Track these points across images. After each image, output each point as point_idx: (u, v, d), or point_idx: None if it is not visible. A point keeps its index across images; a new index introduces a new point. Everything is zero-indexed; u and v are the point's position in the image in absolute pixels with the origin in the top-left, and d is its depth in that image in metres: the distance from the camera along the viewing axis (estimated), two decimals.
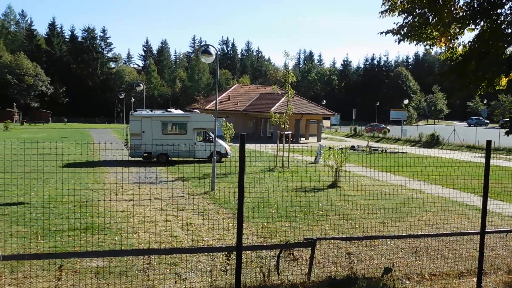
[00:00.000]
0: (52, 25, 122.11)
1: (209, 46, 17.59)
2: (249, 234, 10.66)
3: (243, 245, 6.03)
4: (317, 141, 49.98)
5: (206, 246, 9.70)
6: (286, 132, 25.95)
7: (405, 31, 8.65)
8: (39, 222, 11.22)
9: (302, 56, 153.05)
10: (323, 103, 70.67)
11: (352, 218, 12.78)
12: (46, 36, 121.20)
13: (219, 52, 18.27)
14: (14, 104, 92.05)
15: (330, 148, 22.62)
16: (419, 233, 10.30)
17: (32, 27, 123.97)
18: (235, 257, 6.46)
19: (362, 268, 8.29)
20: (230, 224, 11.87)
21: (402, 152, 34.50)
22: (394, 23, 8.86)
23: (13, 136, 47.54)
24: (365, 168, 22.59)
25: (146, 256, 8.26)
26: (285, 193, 16.11)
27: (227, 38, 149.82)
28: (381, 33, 8.92)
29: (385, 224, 12.17)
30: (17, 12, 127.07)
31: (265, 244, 9.40)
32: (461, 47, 9.22)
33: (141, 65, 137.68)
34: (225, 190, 16.62)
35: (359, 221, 12.42)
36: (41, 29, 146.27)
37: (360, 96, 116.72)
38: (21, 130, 64.36)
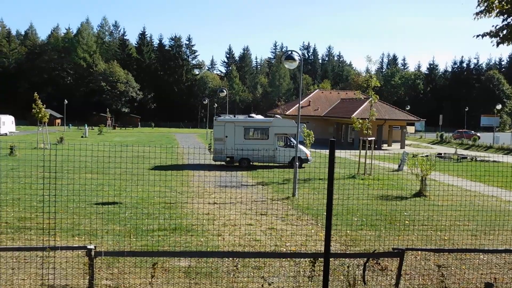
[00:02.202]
0: (142, 35, 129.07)
1: (293, 52, 17.64)
2: (331, 242, 10.52)
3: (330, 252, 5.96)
4: (401, 148, 48.27)
5: (291, 251, 9.72)
6: (369, 138, 25.36)
7: (504, 33, 8.11)
8: (132, 221, 11.88)
9: (385, 60, 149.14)
10: (407, 108, 68.15)
11: (440, 229, 12.18)
12: (137, 45, 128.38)
13: (301, 58, 18.29)
14: (107, 109, 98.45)
15: (414, 155, 21.74)
16: None
17: (125, 37, 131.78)
18: (320, 263, 6.42)
19: (454, 282, 7.88)
20: (313, 231, 11.81)
21: (494, 161, 32.29)
22: (492, 25, 8.34)
23: (106, 139, 50.83)
24: (454, 177, 21.43)
25: (231, 258, 8.47)
26: (368, 201, 15.74)
27: (308, 43, 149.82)
28: (478, 36, 8.43)
29: (476, 237, 11.47)
30: (111, 23, 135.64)
31: (352, 252, 9.25)
32: None
33: (224, 71, 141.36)
34: (307, 196, 16.56)
35: (448, 233, 11.81)
36: (132, 38, 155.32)
37: (447, 101, 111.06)
38: (113, 134, 68.60)
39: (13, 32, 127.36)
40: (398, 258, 6.79)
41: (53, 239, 9.12)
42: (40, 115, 34.27)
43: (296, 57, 17.44)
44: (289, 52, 17.79)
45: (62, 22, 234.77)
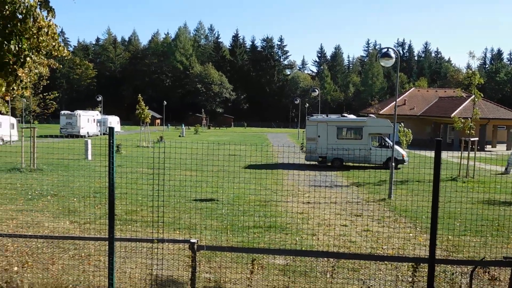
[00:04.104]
0: (235, 37, 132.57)
1: (389, 49, 17.11)
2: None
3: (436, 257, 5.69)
4: (507, 149, 44.71)
5: (388, 255, 9.43)
6: (472, 139, 23.79)
7: None
8: (228, 218, 12.24)
9: (488, 55, 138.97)
10: None
11: None
12: (230, 47, 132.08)
13: (398, 55, 17.64)
14: (202, 110, 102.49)
15: None
16: None
17: (219, 40, 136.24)
18: (422, 269, 6.16)
19: None
20: (411, 234, 11.34)
21: None
22: None
23: (202, 138, 52.87)
24: None
25: (326, 258, 8.41)
26: (471, 205, 14.77)
27: (403, 40, 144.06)
28: None
29: None
30: (207, 27, 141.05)
31: (459, 259, 8.74)
32: None
33: (315, 71, 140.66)
34: (404, 198, 15.94)
35: None
36: (226, 41, 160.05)
37: None
38: (208, 134, 71.18)
39: (118, 39, 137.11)
40: (511, 268, 6.30)
41: (156, 231, 9.68)
42: (143, 116, 36.57)
43: (393, 54, 16.88)
44: (385, 50, 17.27)
45: (161, 28, 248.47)
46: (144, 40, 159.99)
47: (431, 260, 5.27)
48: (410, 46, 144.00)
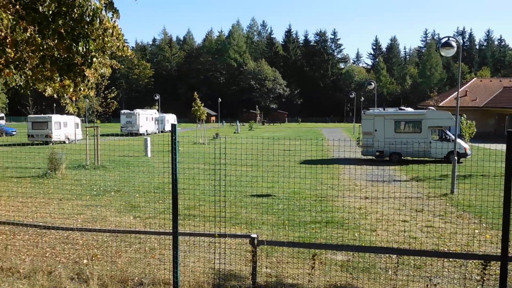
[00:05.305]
0: (288, 32, 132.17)
1: (449, 38, 16.45)
2: (498, 243, 9.57)
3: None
4: None
5: (452, 251, 9.09)
6: None
7: None
8: (285, 213, 12.24)
9: None
10: None
11: None
12: (283, 43, 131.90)
13: (459, 44, 16.90)
14: (256, 106, 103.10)
15: None
16: None
17: (272, 36, 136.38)
18: (492, 267, 5.89)
19: None
20: (476, 231, 10.87)
21: None
22: None
23: (257, 134, 53.19)
24: None
25: (386, 255, 8.22)
26: None
27: (463, 29, 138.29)
28: None
29: None
30: (259, 24, 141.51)
31: None
32: None
33: (370, 63, 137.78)
34: (468, 193, 15.29)
35: None
36: (279, 36, 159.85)
37: None
38: (263, 130, 71.49)
39: (174, 39, 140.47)
40: None
41: (216, 226, 9.83)
42: (199, 113, 37.27)
43: (454, 44, 16.20)
44: (446, 39, 16.60)
45: (215, 26, 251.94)
46: (198, 38, 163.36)
47: (504, 258, 5.01)
48: (471, 35, 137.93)
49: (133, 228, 10.31)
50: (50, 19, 5.06)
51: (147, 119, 57.36)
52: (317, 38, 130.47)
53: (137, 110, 56.66)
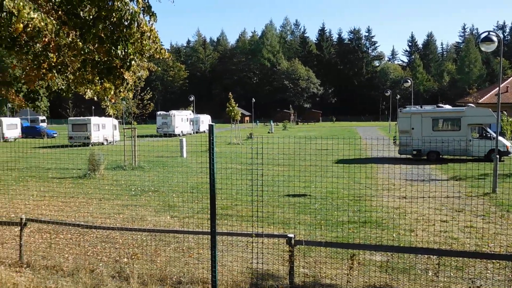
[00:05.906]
0: (321, 31, 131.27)
1: (490, 33, 15.95)
2: None
3: None
4: None
5: (495, 252, 8.81)
6: None
7: None
8: (321, 213, 12.15)
9: None
10: None
11: None
12: (316, 42, 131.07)
13: (500, 38, 16.34)
14: (290, 106, 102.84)
15: None
16: None
17: (305, 35, 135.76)
18: None
19: None
20: None
21: None
22: None
23: (291, 134, 53.04)
24: None
25: (426, 256, 8.04)
26: None
27: (504, 23, 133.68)
28: None
29: None
30: (292, 23, 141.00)
31: None
32: None
33: (406, 61, 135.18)
34: (511, 192, 14.78)
35: None
36: (312, 35, 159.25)
37: None
38: (297, 129, 71.24)
39: (208, 40, 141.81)
40: None
41: (252, 225, 9.86)
42: (233, 114, 37.49)
43: (495, 38, 15.70)
44: (486, 33, 16.10)
45: (248, 26, 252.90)
46: (232, 39, 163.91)
47: None
48: (511, 29, 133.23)
49: (171, 228, 10.47)
50: (90, 24, 5.21)
51: (182, 120, 58.09)
52: (351, 36, 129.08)
53: (173, 111, 57.46)
